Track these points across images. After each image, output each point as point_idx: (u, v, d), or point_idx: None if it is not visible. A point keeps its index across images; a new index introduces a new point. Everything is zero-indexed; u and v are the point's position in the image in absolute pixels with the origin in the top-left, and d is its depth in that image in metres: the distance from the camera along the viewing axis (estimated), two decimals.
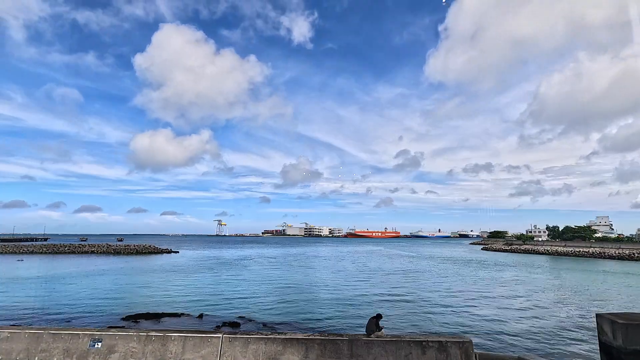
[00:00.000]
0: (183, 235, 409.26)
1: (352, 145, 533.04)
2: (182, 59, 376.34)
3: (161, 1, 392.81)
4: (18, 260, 54.85)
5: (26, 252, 70.28)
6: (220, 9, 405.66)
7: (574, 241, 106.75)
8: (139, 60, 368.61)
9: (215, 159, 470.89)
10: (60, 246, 78.02)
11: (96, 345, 8.91)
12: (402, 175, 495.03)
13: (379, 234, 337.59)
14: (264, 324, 17.79)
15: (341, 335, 9.36)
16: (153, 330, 9.45)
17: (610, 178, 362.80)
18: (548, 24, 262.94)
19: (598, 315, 9.67)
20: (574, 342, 15.23)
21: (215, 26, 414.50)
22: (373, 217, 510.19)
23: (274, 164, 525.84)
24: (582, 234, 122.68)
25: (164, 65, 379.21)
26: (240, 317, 19.16)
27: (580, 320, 19.13)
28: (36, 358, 8.79)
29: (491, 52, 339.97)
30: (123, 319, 18.47)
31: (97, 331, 9.36)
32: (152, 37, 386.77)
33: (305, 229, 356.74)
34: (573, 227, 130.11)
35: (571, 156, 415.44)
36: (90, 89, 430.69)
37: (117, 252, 72.55)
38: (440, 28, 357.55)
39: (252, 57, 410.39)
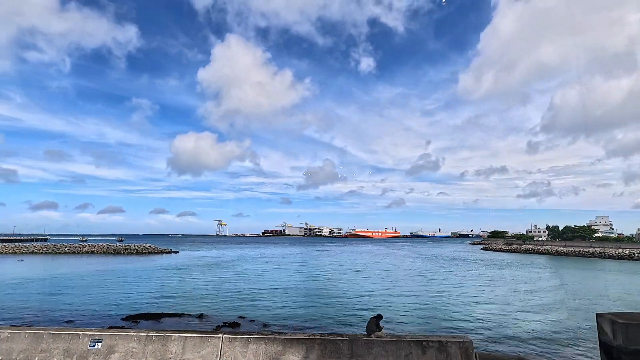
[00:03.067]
0: (183, 235, 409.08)
1: (351, 145, 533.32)
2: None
3: (253, 40, 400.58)
4: (18, 261, 54.85)
5: (26, 253, 70.28)
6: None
7: (574, 241, 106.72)
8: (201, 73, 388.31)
9: (253, 162, 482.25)
10: (61, 246, 77.94)
11: (96, 346, 8.91)
12: (401, 176, 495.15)
13: (379, 234, 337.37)
14: (265, 324, 17.80)
15: (341, 335, 9.36)
16: (153, 330, 9.46)
17: (614, 179, 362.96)
18: (567, 50, 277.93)
19: (598, 315, 9.68)
20: (574, 341, 15.24)
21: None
22: (373, 217, 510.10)
23: (273, 164, 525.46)
24: (582, 233, 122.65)
25: (220, 78, 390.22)
26: (240, 317, 19.17)
27: (580, 319, 19.14)
28: (36, 358, 8.79)
29: (512, 72, 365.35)
30: (123, 319, 18.46)
31: (97, 331, 9.37)
32: (213, 50, 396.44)
33: (305, 229, 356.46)
34: (573, 227, 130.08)
35: (575, 156, 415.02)
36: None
37: (117, 253, 72.55)
38: (470, 54, 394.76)
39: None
